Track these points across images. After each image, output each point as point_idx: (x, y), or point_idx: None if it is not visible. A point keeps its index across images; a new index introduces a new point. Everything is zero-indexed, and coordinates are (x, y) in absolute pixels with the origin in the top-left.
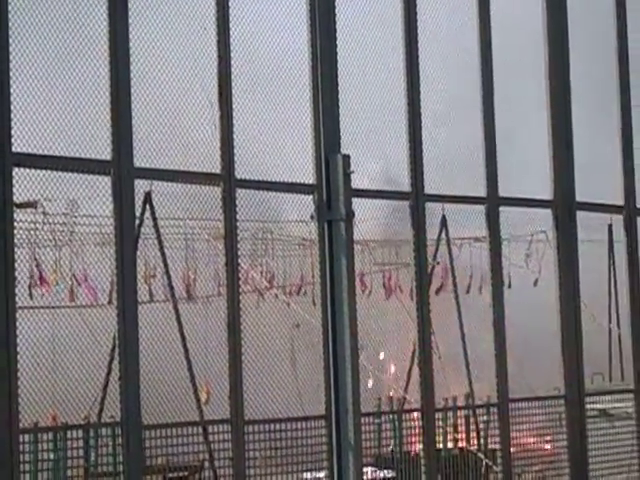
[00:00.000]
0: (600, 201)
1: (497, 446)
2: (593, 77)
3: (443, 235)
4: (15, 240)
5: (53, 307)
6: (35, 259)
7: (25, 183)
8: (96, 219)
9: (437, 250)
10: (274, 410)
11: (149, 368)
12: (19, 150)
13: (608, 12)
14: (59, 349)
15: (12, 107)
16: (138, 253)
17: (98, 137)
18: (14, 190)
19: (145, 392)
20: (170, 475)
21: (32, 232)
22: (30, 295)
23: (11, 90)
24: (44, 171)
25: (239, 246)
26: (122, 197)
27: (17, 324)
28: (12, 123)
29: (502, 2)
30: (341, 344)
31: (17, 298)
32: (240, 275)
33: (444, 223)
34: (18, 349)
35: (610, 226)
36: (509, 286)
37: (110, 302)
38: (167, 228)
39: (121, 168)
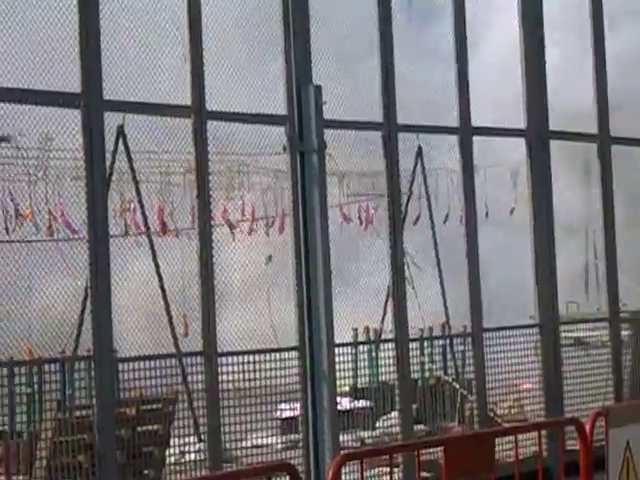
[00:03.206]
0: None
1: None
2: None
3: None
4: None
5: (29, 241)
6: (10, 194)
7: None
8: (70, 153)
9: (413, 181)
10: (248, 342)
11: (127, 302)
12: None
13: None
14: (36, 283)
15: None
16: (114, 187)
17: (68, 70)
18: None
19: (123, 326)
20: (144, 407)
21: (6, 167)
22: (6, 230)
23: None
24: (13, 105)
25: (215, 179)
26: (92, 130)
27: None
28: None
29: None
30: (314, 275)
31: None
32: (215, 208)
33: (420, 153)
34: None
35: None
36: (486, 216)
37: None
38: (142, 162)
39: (90, 101)
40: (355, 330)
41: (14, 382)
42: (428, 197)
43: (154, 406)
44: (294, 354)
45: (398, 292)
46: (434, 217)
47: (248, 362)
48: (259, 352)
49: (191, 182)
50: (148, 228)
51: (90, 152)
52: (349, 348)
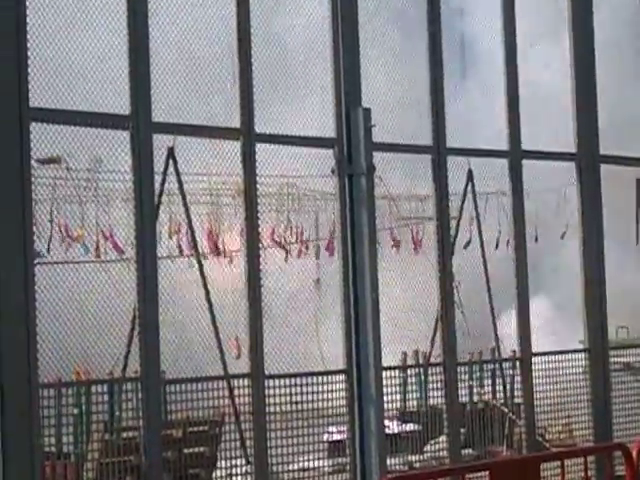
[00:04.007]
0: (624, 154)
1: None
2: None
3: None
4: (39, 196)
5: (79, 262)
6: (58, 215)
7: (45, 138)
8: (120, 175)
9: (463, 204)
10: (295, 364)
11: (175, 323)
12: (37, 105)
13: None
14: (85, 305)
15: (29, 61)
16: (163, 208)
17: (117, 91)
18: (34, 146)
19: (172, 348)
20: (191, 429)
21: (56, 188)
22: (48, 250)
23: (28, 44)
24: (64, 126)
25: (265, 201)
26: (141, 152)
27: (39, 279)
28: (29, 77)
29: None
30: (362, 298)
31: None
32: (264, 230)
33: (470, 177)
34: (43, 305)
35: (638, 180)
36: (536, 240)
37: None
38: (192, 184)
39: (139, 122)
40: (404, 354)
41: (62, 403)
42: (478, 221)
43: (201, 428)
44: (342, 377)
45: (447, 316)
46: (484, 241)
47: (296, 385)
48: (307, 375)
49: (241, 204)
50: (197, 250)
51: (139, 174)
52: (397, 371)
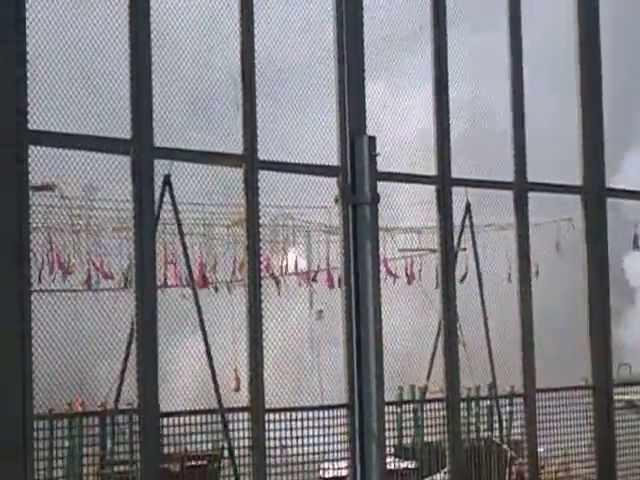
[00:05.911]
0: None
1: (521, 437)
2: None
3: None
4: (32, 224)
5: (70, 290)
6: (50, 243)
7: (42, 162)
8: (114, 203)
9: (461, 236)
10: (295, 398)
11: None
12: (36, 127)
13: None
14: (77, 334)
15: (29, 82)
16: (157, 237)
17: (119, 115)
18: (31, 169)
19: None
20: (188, 464)
21: (49, 216)
22: (39, 279)
23: (28, 65)
24: (61, 150)
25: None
26: (142, 177)
27: (33, 308)
28: (28, 99)
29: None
30: (365, 330)
31: (34, 282)
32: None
33: (468, 209)
34: (34, 334)
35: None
36: (537, 274)
37: (125, 286)
38: (187, 213)
39: (141, 147)
40: (400, 389)
41: (54, 435)
42: (476, 254)
43: (199, 462)
44: (342, 412)
45: (450, 351)
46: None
47: (295, 419)
48: (308, 409)
49: (235, 235)
50: (193, 280)
51: (139, 199)
52: (394, 407)
